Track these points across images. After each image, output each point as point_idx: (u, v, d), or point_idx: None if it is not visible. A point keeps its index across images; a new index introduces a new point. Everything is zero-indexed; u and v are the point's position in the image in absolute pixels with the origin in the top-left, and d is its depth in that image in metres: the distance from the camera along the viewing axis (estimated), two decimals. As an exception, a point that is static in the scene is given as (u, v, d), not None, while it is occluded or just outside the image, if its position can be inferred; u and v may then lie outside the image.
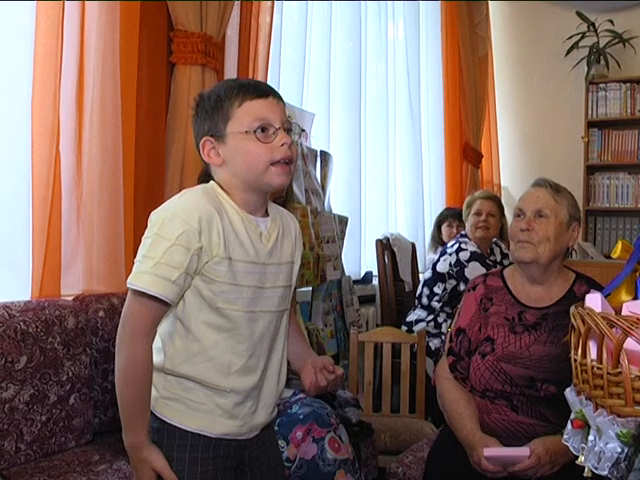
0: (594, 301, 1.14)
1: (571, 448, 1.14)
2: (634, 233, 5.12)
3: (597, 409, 1.07)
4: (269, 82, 3.08)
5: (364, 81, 4.26)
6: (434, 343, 3.50)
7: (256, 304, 1.46)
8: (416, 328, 3.56)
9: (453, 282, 3.62)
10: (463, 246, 3.65)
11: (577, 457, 1.79)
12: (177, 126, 2.74)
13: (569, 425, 1.14)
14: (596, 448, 1.04)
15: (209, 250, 1.39)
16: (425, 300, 3.72)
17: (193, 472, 1.43)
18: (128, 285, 1.37)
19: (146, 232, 1.39)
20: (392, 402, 3.04)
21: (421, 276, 4.20)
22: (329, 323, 3.54)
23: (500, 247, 3.90)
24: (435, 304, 3.67)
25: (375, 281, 4.28)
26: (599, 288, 1.85)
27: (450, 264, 3.63)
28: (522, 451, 1.84)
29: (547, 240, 2.02)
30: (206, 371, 1.43)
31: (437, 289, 3.68)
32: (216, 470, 1.46)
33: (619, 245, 1.34)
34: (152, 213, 1.41)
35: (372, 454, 2.57)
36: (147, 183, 2.69)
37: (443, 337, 3.49)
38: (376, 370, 3.18)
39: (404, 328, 3.62)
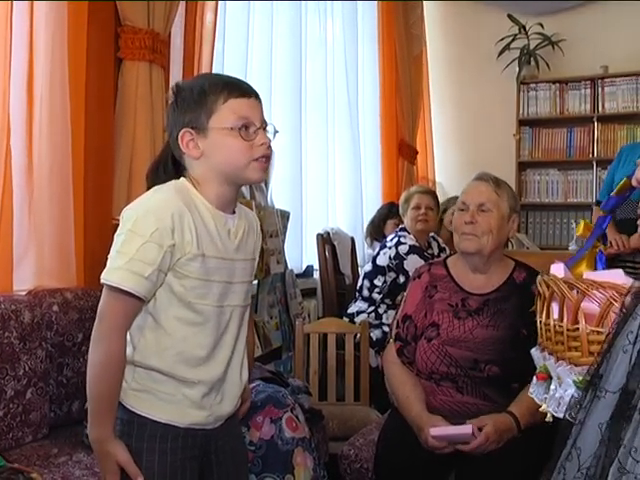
0: (558, 269, 1.27)
1: (535, 399, 1.29)
2: (564, 226, 5.30)
3: (558, 361, 1.21)
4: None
5: (304, 79, 4.29)
6: (375, 334, 3.56)
7: (225, 299, 1.50)
8: (357, 319, 3.61)
9: (393, 275, 3.70)
10: (402, 240, 3.73)
11: (521, 431, 1.95)
12: (125, 122, 2.75)
13: (534, 379, 1.28)
14: (557, 395, 1.19)
15: (181, 247, 1.41)
16: (366, 292, 3.79)
17: (163, 462, 1.46)
18: (102, 281, 1.38)
19: (119, 229, 1.40)
20: (337, 391, 3.11)
21: (360, 269, 4.28)
22: (274, 315, 3.59)
23: (437, 241, 4.01)
24: (376, 296, 3.75)
25: (316, 274, 4.33)
26: (536, 274, 2.00)
27: (390, 257, 3.71)
28: (465, 428, 1.94)
29: (490, 232, 2.12)
30: (175, 364, 1.45)
31: (377, 281, 3.76)
32: (184, 459, 1.49)
33: (582, 224, 1.49)
34: (124, 209, 1.42)
35: (323, 439, 2.63)
36: (96, 178, 2.68)
37: (384, 328, 3.57)
38: (320, 360, 3.25)
39: (346, 320, 3.67)
